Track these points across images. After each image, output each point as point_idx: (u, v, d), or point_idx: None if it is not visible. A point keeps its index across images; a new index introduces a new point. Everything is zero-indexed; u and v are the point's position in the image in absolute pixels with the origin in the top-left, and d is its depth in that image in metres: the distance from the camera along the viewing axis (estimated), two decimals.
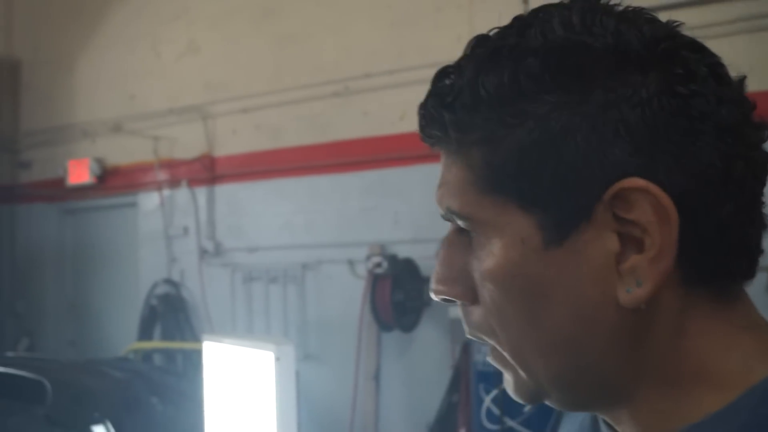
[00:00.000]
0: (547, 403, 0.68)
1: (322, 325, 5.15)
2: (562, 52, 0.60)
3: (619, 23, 0.61)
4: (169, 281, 5.81)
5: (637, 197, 0.58)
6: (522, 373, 0.66)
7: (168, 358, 5.48)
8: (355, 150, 5.05)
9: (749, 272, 0.64)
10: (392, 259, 4.64)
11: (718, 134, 0.59)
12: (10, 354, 5.30)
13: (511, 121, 0.61)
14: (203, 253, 5.67)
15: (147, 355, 5.42)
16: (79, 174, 6.24)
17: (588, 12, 0.61)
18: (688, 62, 0.60)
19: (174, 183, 5.89)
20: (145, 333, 5.69)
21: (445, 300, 0.69)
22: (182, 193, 5.85)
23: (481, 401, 3.80)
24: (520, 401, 0.69)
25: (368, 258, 4.70)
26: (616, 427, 0.68)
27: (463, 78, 0.63)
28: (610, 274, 0.60)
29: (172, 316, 5.65)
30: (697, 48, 0.62)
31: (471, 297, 0.67)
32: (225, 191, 5.69)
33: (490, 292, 0.64)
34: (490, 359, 0.70)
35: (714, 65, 0.62)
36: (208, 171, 5.70)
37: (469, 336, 0.70)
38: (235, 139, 5.60)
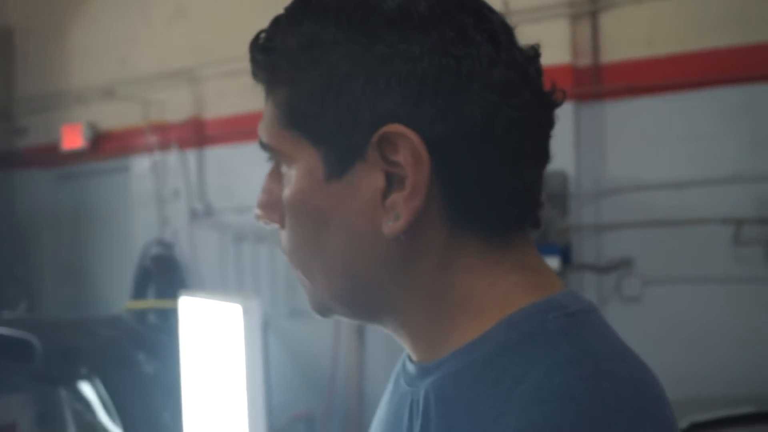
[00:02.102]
0: (336, 316, 0.78)
1: None
2: (353, 11, 0.68)
3: None
4: (161, 242, 5.93)
5: (400, 141, 0.66)
6: (311, 290, 0.77)
7: (161, 317, 5.61)
8: None
9: (524, 221, 0.73)
10: None
11: (484, 93, 0.66)
12: (5, 315, 5.46)
13: (308, 66, 0.70)
14: (194, 214, 5.78)
15: (141, 314, 5.56)
16: (73, 139, 6.33)
17: None
18: (464, 27, 0.67)
19: (165, 146, 5.98)
20: (139, 292, 5.81)
21: (265, 224, 0.79)
22: (173, 156, 5.94)
23: None
24: (315, 314, 0.79)
25: None
26: (410, 353, 0.78)
27: (277, 28, 0.73)
28: (378, 208, 0.69)
29: (165, 275, 5.77)
30: (479, 15, 0.69)
31: (282, 222, 0.76)
32: (214, 153, 5.77)
33: (288, 216, 0.74)
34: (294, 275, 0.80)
35: (494, 32, 0.69)
36: (198, 134, 5.79)
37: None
38: (223, 102, 5.67)
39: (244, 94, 5.48)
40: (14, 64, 7.08)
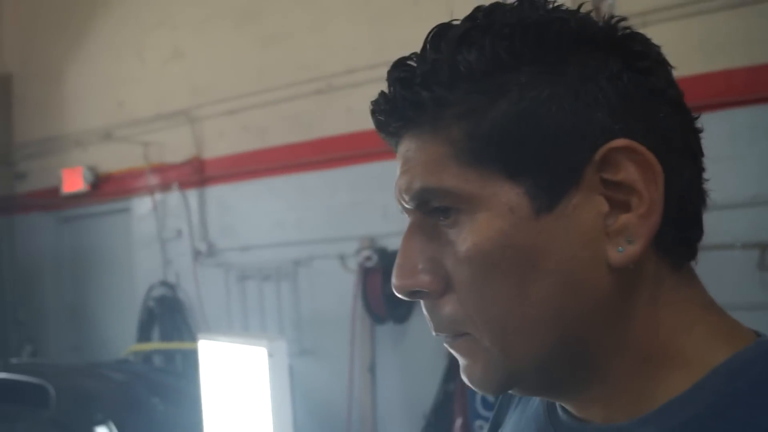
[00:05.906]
0: (512, 391, 0.68)
1: (317, 321, 5.23)
2: (538, 27, 0.62)
3: (577, 12, 0.65)
4: (164, 283, 5.89)
5: (621, 158, 0.60)
6: (500, 358, 0.64)
7: (167, 359, 5.57)
8: (341, 146, 5.11)
9: (696, 249, 0.66)
10: (382, 252, 4.68)
11: (673, 108, 0.64)
12: (14, 360, 5.40)
13: (494, 92, 0.61)
14: (197, 254, 5.75)
15: (147, 357, 5.51)
16: (73, 182, 6.33)
17: (544, 2, 0.65)
18: (643, 44, 0.65)
19: (165, 187, 5.97)
20: (143, 335, 5.77)
21: (410, 296, 0.66)
22: (174, 197, 5.93)
23: None
24: (485, 392, 0.67)
25: (358, 252, 4.77)
26: (580, 414, 0.68)
27: (433, 59, 0.64)
28: (600, 236, 0.61)
29: (169, 317, 5.73)
30: (644, 36, 0.66)
31: (441, 287, 0.65)
32: (215, 192, 5.76)
33: (473, 271, 0.63)
34: (449, 348, 0.68)
35: (659, 52, 0.66)
36: (198, 173, 5.78)
37: (435, 333, 0.67)
38: (223, 141, 5.68)
39: (243, 133, 5.51)
40: (12, 110, 7.09)
